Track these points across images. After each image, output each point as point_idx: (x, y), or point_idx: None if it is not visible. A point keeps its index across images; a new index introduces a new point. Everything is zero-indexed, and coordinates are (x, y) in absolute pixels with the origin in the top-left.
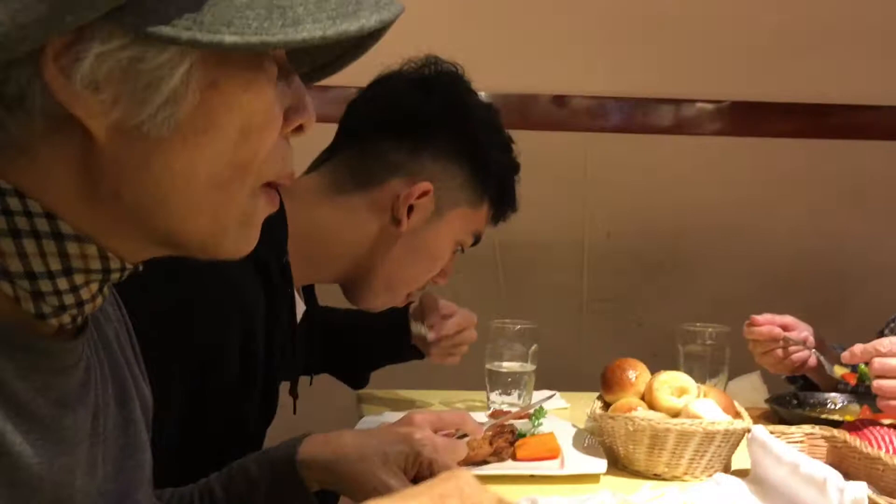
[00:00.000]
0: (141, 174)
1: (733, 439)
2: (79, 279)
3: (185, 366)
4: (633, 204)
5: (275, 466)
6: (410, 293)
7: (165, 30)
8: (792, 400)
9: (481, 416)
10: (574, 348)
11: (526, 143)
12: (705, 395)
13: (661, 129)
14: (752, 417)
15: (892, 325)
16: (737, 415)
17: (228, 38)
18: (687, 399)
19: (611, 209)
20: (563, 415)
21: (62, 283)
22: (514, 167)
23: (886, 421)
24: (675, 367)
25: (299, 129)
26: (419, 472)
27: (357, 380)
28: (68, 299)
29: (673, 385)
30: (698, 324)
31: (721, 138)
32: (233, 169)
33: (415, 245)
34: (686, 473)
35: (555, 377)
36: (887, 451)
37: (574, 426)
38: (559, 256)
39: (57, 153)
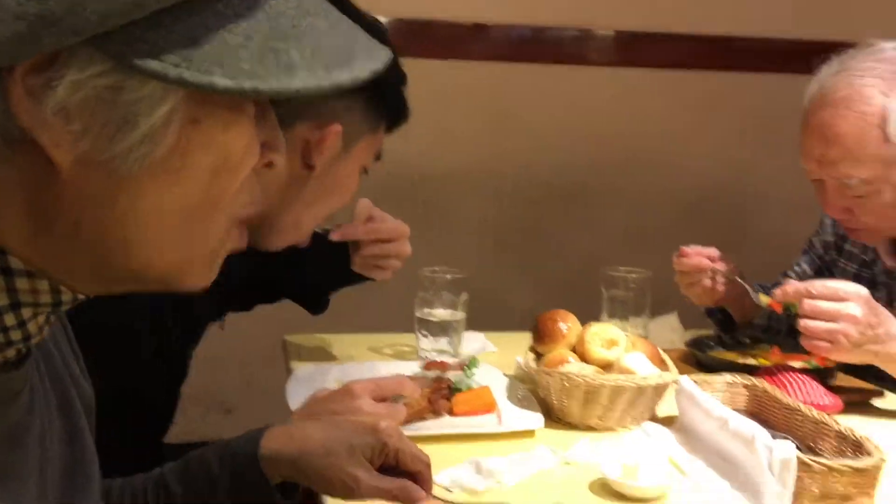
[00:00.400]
0: (104, 210)
1: (662, 391)
2: (27, 313)
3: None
4: (548, 136)
5: (236, 461)
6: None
7: (153, 64)
8: (708, 343)
9: (414, 366)
10: (492, 280)
11: (443, 73)
12: (633, 346)
13: (575, 60)
14: (671, 358)
15: (786, 277)
16: (662, 363)
17: (220, 82)
18: (617, 351)
19: (527, 141)
20: (492, 360)
21: (9, 319)
22: (403, 80)
23: (797, 364)
24: (592, 301)
25: (269, 164)
26: (385, 461)
27: (314, 306)
28: (15, 335)
29: (603, 337)
30: (621, 268)
31: (631, 70)
32: (202, 208)
33: (325, 184)
34: (618, 424)
35: (475, 310)
36: (804, 399)
37: (506, 376)
38: (476, 188)
39: (13, 180)
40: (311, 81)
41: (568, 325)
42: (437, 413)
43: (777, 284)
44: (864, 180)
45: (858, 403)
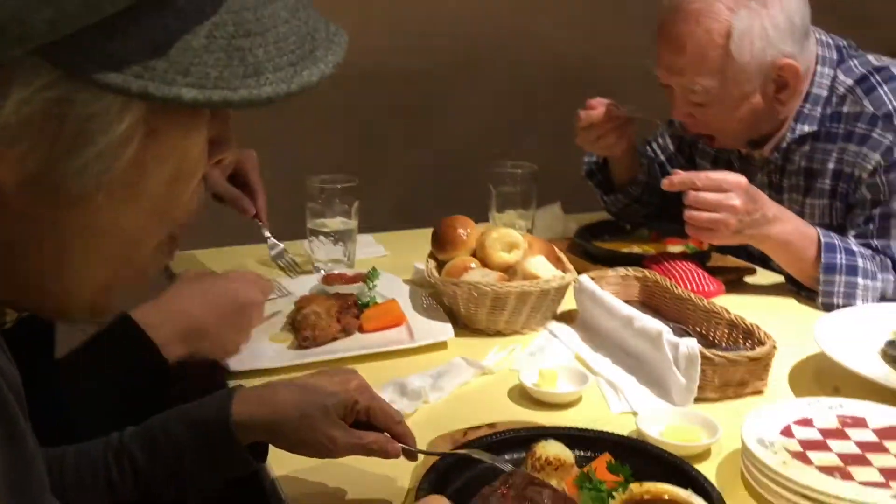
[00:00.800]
0: (47, 233)
1: (564, 291)
2: None
3: None
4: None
5: (207, 428)
6: None
7: (113, 77)
8: (593, 233)
9: (313, 280)
10: (364, 175)
11: None
12: (531, 247)
13: None
14: (560, 249)
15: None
16: (559, 262)
17: (187, 94)
18: (517, 254)
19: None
20: (386, 265)
21: None
22: None
23: (677, 248)
24: (468, 190)
25: (219, 163)
26: (357, 417)
27: None
28: None
29: (504, 241)
30: (509, 163)
31: None
32: (154, 221)
33: None
34: (524, 327)
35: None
36: (692, 287)
37: (405, 283)
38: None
39: None
40: (281, 87)
41: (468, 231)
42: (347, 332)
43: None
44: (706, 89)
45: (734, 282)
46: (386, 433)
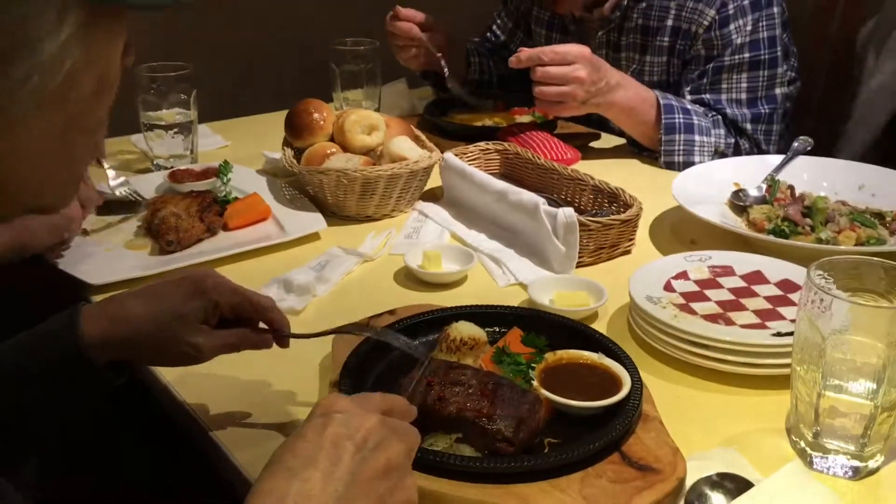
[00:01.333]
0: None
1: (430, 171)
2: None
3: None
4: None
5: (54, 355)
6: None
7: None
8: (438, 107)
9: (158, 179)
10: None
11: None
12: (389, 127)
13: None
14: (409, 123)
15: None
16: (419, 140)
17: None
18: (378, 136)
19: None
20: (230, 157)
21: None
22: None
23: (525, 119)
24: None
25: (126, 67)
26: (223, 315)
27: None
28: None
29: (363, 124)
30: (348, 40)
31: None
32: (83, 131)
33: None
34: (394, 210)
35: None
36: (552, 156)
37: (260, 174)
38: None
39: None
40: None
41: (324, 115)
42: (211, 231)
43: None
44: None
45: (581, 147)
46: (261, 324)
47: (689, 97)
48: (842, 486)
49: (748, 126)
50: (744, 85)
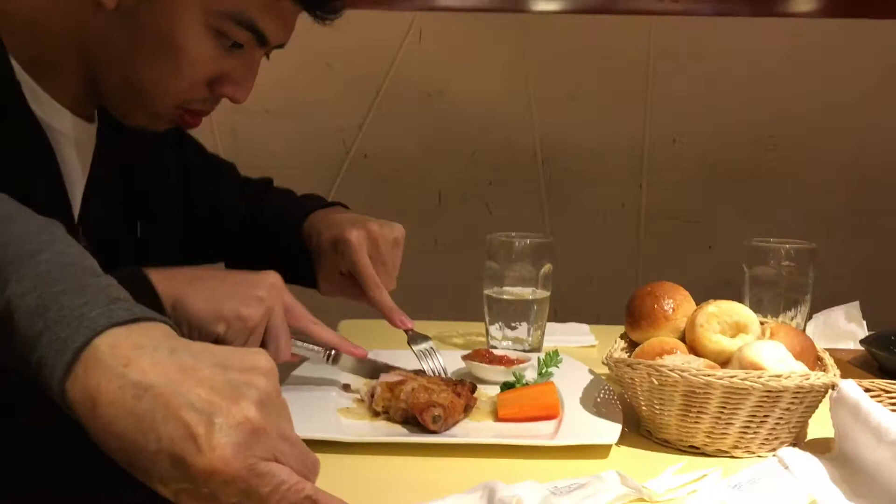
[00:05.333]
0: None
1: (809, 400)
2: None
3: None
4: (704, 102)
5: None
6: (174, 103)
7: None
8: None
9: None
10: (630, 277)
11: (575, 30)
12: (772, 335)
13: (742, 11)
14: (840, 367)
15: None
16: (817, 362)
17: None
18: (744, 339)
19: (677, 109)
20: (584, 356)
21: None
22: None
23: None
24: (741, 298)
25: None
26: None
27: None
28: None
29: (725, 320)
30: (772, 239)
31: (822, 21)
32: None
33: (134, 31)
34: (736, 447)
35: (606, 310)
36: None
37: (591, 373)
38: (613, 166)
39: None
40: None
41: (675, 302)
42: (466, 414)
43: None
44: None
45: None
46: None
47: None
48: None
49: None
50: None
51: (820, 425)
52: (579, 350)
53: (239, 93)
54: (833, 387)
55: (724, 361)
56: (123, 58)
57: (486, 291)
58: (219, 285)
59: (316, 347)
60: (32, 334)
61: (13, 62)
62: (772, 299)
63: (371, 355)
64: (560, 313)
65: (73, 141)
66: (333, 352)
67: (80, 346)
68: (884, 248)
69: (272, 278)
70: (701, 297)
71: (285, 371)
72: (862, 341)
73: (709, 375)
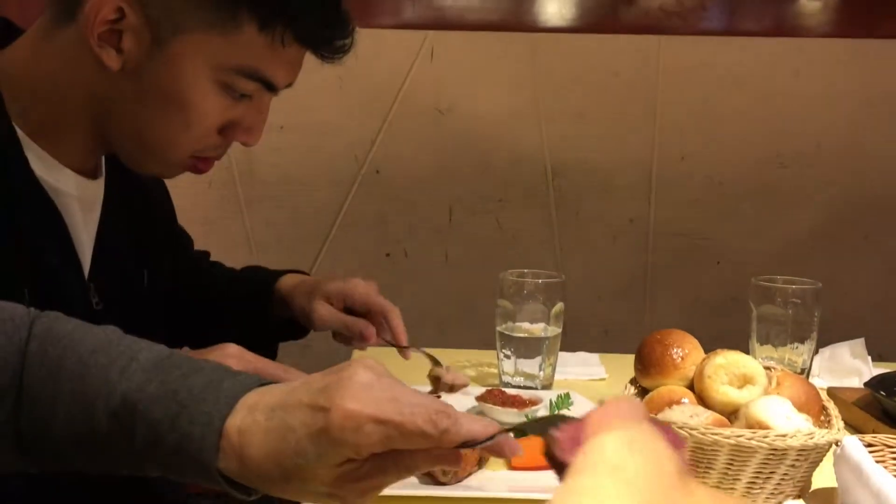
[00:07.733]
0: None
1: (814, 456)
2: None
3: None
4: (712, 120)
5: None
6: (186, 154)
7: None
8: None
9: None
10: (638, 292)
11: (584, 48)
12: (778, 384)
13: (752, 31)
14: (844, 410)
15: None
16: (821, 413)
17: None
18: (751, 391)
19: (685, 126)
20: (594, 392)
21: None
22: None
23: None
24: (747, 327)
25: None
26: None
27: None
28: None
29: (732, 371)
30: (779, 278)
31: (828, 40)
32: None
33: (141, 90)
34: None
35: (614, 325)
36: None
37: None
38: (622, 182)
39: None
40: None
41: (684, 351)
42: (479, 465)
43: None
44: None
45: None
46: None
47: None
48: None
49: None
50: None
51: (825, 476)
52: (590, 384)
53: (250, 138)
54: (836, 444)
55: (732, 412)
56: (133, 115)
57: (499, 328)
58: None
59: None
60: (167, 416)
61: (17, 128)
62: (778, 334)
63: None
64: (568, 328)
65: (78, 200)
66: None
67: (226, 413)
68: (891, 267)
69: (230, 349)
70: (709, 313)
71: None
72: (866, 384)
73: (716, 434)
